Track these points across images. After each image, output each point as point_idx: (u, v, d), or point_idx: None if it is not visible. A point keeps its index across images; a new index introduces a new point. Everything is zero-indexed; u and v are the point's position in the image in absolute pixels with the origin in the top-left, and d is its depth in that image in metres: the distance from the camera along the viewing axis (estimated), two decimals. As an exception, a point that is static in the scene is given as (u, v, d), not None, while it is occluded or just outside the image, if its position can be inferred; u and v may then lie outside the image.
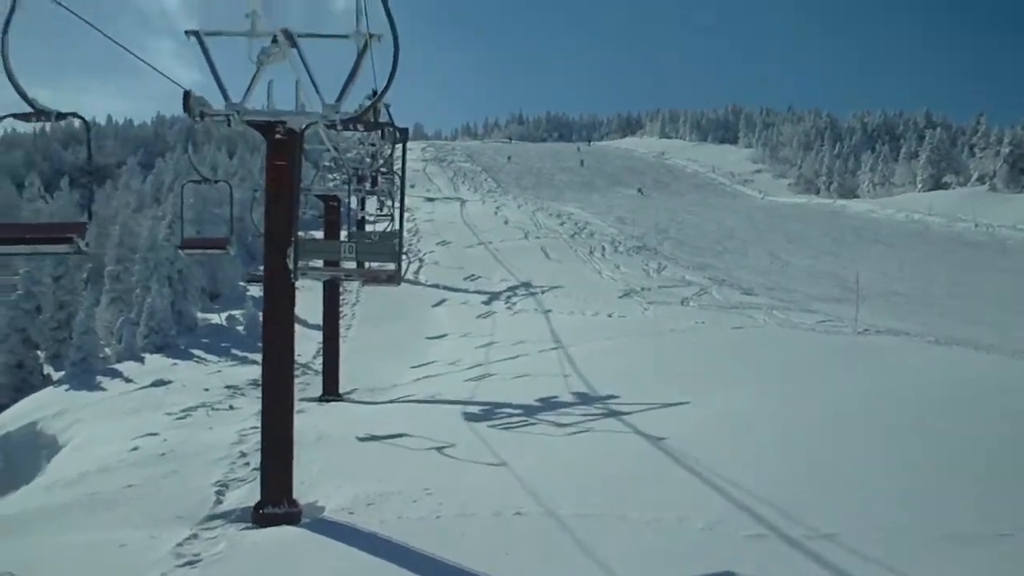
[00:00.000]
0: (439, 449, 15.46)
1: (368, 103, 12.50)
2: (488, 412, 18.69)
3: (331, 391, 24.28)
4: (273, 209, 12.53)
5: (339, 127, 13.37)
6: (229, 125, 12.40)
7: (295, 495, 12.46)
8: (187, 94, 12.07)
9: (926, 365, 19.96)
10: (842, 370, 19.56)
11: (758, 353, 22.51)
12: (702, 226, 62.52)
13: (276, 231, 12.53)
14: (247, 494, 13.41)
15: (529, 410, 18.29)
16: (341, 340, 26.50)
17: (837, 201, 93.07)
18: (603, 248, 48.59)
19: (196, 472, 15.41)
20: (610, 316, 31.04)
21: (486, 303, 37.04)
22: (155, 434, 19.45)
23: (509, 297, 37.29)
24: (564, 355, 24.57)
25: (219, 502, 13.38)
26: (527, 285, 38.95)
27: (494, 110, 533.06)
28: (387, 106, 20.87)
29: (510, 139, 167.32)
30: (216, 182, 21.33)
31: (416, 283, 41.60)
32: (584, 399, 18.87)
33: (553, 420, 17.13)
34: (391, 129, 21.50)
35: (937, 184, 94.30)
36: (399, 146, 20.92)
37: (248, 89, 12.40)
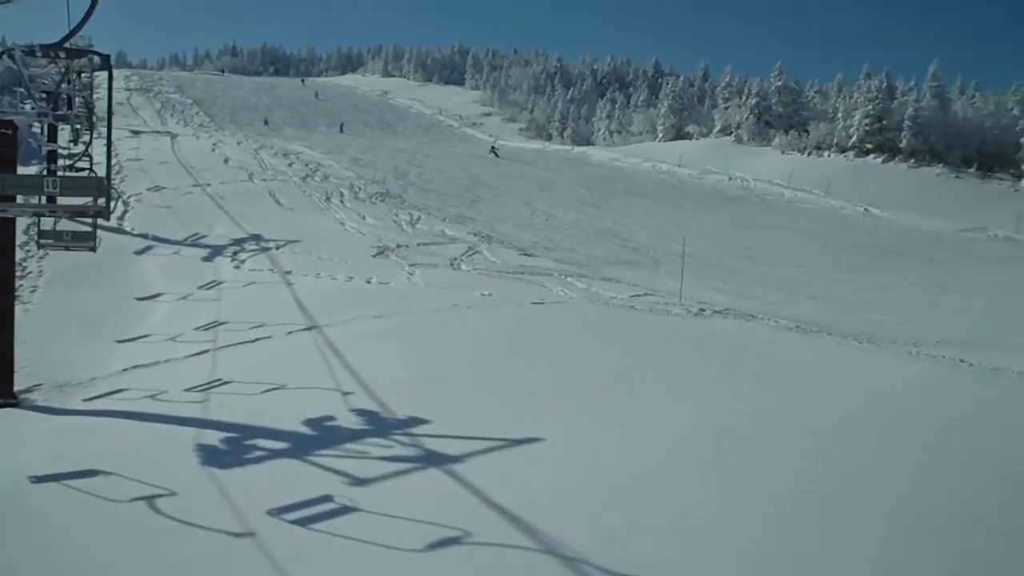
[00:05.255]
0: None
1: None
2: (235, 446, 12.53)
3: (1, 391, 17.27)
4: None
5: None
6: None
7: None
8: None
9: (824, 368, 15.45)
10: (722, 381, 14.67)
11: (583, 343, 17.49)
12: (445, 171, 57.37)
13: None
14: None
15: (299, 444, 12.32)
16: (22, 309, 19.50)
17: (575, 148, 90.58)
18: (341, 194, 42.49)
19: None
20: (369, 282, 25.19)
21: (207, 259, 30.24)
22: None
23: (236, 253, 30.60)
24: (323, 341, 18.59)
25: None
26: (257, 238, 32.38)
27: (205, 40, 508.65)
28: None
29: (223, 71, 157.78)
30: None
31: (120, 231, 34.20)
32: (377, 424, 13.07)
33: (348, 472, 11.21)
34: (94, 56, 17.40)
35: (679, 134, 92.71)
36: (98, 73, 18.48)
37: None
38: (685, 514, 9.84)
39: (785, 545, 9.16)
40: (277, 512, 10.01)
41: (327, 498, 10.42)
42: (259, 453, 12.14)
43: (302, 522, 9.88)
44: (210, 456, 12.07)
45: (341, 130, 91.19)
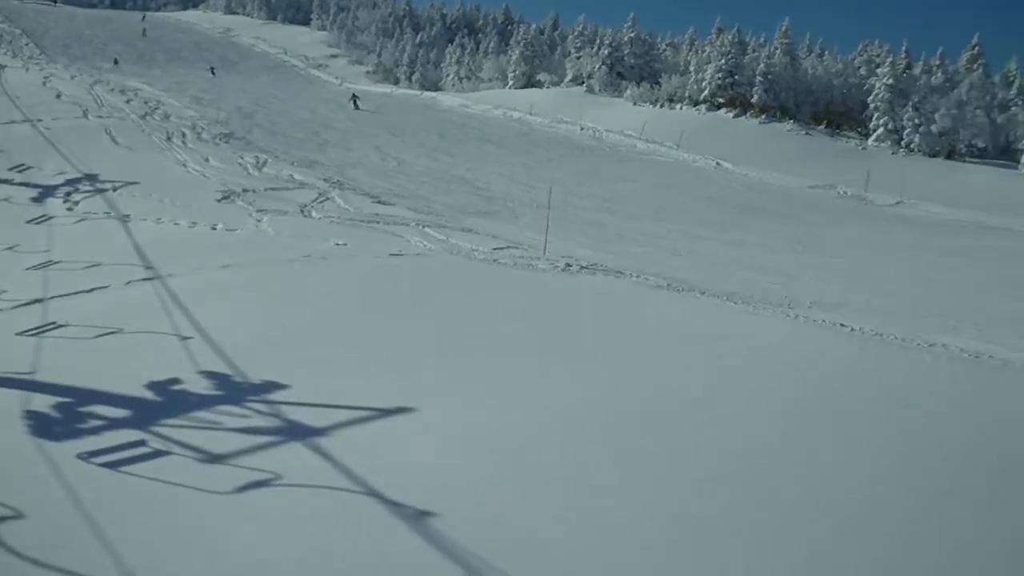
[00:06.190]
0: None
1: None
2: (69, 413, 11.13)
3: None
4: None
5: None
6: None
7: None
8: None
9: (709, 331, 14.77)
10: (605, 345, 13.84)
11: (449, 300, 16.57)
12: (292, 112, 55.52)
13: None
14: None
15: (144, 413, 10.98)
16: None
17: (424, 93, 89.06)
18: (183, 134, 40.40)
19: None
20: (214, 228, 23.67)
21: (37, 200, 28.09)
22: None
23: (69, 194, 28.52)
24: (166, 292, 17.15)
25: None
26: (92, 178, 30.31)
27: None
28: None
29: (55, 2, 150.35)
30: None
31: (-60, 168, 31.69)
32: (230, 390, 11.79)
33: (199, 446, 10.00)
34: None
35: (530, 82, 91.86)
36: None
37: None
38: (582, 501, 8.95)
39: (696, 537, 8.36)
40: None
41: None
42: (96, 423, 10.79)
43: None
44: (41, 427, 10.68)
45: (212, 72, 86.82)
